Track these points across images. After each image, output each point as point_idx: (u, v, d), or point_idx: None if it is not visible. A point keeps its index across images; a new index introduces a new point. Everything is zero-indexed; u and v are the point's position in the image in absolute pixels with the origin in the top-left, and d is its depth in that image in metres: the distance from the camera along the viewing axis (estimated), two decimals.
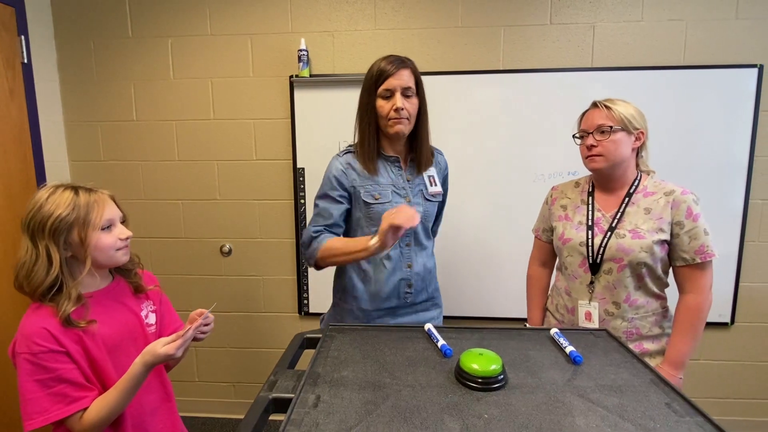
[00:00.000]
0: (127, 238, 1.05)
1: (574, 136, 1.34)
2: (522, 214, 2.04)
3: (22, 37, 1.94)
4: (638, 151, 1.28)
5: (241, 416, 2.29)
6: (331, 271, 1.57)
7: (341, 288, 1.45)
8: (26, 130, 1.96)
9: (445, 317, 1.58)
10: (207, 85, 2.10)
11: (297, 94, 2.04)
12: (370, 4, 1.99)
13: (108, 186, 2.26)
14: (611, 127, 1.22)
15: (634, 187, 1.28)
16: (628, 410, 0.62)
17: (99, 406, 0.94)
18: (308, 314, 2.21)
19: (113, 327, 1.02)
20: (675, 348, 1.23)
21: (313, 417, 0.60)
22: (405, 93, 1.27)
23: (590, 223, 1.28)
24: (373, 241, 1.17)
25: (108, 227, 1.01)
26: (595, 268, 1.26)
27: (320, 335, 0.86)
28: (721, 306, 2.06)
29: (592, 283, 1.27)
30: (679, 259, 1.23)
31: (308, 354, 0.82)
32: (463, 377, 0.69)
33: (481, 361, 0.69)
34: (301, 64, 1.98)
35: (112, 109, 2.14)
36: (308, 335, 0.87)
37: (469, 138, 2.01)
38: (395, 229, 1.09)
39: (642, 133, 1.25)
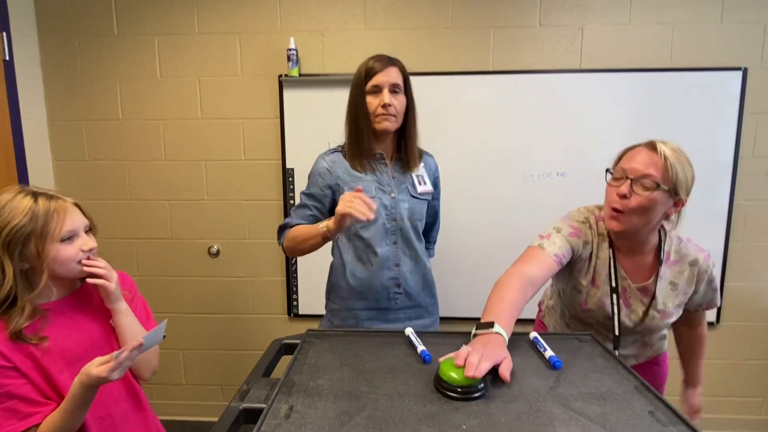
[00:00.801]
0: (90, 250, 0.98)
1: (607, 170, 1.08)
2: (511, 214, 2.04)
3: (4, 33, 1.90)
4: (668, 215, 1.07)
5: None
6: (320, 271, 1.58)
7: (329, 288, 1.46)
8: (8, 129, 1.92)
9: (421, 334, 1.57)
10: (195, 84, 2.07)
11: (286, 93, 2.02)
12: (360, 4, 1.97)
13: (93, 186, 2.23)
14: (659, 185, 0.96)
15: (662, 253, 1.08)
16: (610, 419, 0.61)
17: (48, 424, 0.91)
18: (297, 316, 2.19)
19: (74, 339, 0.98)
20: (698, 371, 1.27)
21: (284, 429, 0.58)
22: (393, 90, 1.28)
23: (615, 285, 1.09)
24: (322, 224, 1.19)
25: (69, 238, 0.95)
26: (616, 342, 1.09)
27: (299, 341, 0.84)
28: None
29: (615, 349, 1.10)
30: (689, 308, 1.16)
31: (286, 360, 0.80)
32: (442, 386, 0.68)
33: (460, 369, 0.68)
34: (290, 63, 1.96)
35: (97, 108, 2.11)
36: (286, 341, 0.85)
37: (458, 139, 2.01)
38: (343, 217, 1.08)
39: (685, 200, 1.02)
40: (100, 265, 0.98)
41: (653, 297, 1.06)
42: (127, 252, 2.19)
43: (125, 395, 1.04)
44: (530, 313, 1.35)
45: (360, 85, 1.31)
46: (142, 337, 0.87)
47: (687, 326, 1.24)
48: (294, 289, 2.17)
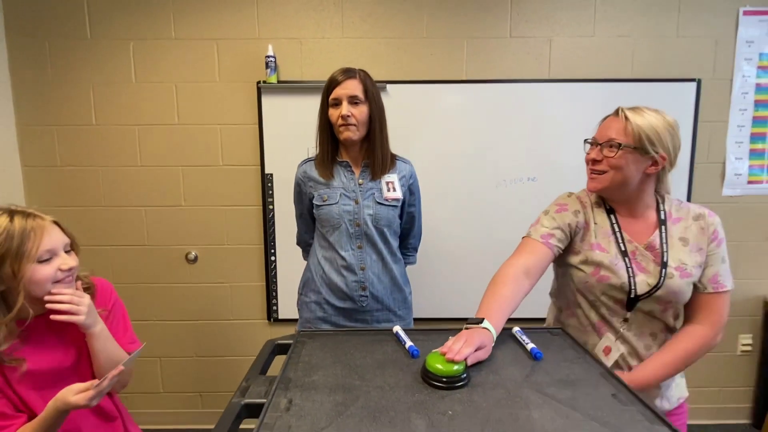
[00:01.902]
0: (69, 269, 0.95)
1: (585, 141, 1.12)
2: (486, 217, 2.12)
3: None
4: (659, 176, 1.08)
5: (210, 426, 2.25)
6: (298, 278, 1.61)
7: (304, 282, 1.54)
8: None
9: (414, 319, 1.62)
10: (171, 89, 2.06)
11: (265, 99, 2.04)
12: (338, 13, 2.02)
13: (65, 192, 2.19)
14: (621, 144, 1.02)
15: (662, 213, 1.09)
16: (579, 402, 0.67)
17: None
18: (278, 320, 2.20)
19: (48, 359, 0.96)
20: (648, 368, 1.04)
21: (285, 420, 0.62)
22: (352, 101, 1.35)
23: (624, 249, 1.07)
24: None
25: (48, 259, 0.92)
26: (630, 304, 1.06)
27: (291, 341, 0.88)
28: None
29: (626, 320, 1.07)
30: (702, 281, 1.06)
31: (279, 360, 0.83)
32: (428, 377, 0.73)
33: (445, 361, 0.74)
34: (268, 70, 1.98)
35: (69, 113, 2.07)
36: (279, 341, 0.89)
37: (434, 145, 2.07)
38: None
39: (663, 157, 1.03)
40: (64, 300, 0.93)
41: (663, 252, 1.05)
42: (102, 259, 2.15)
43: (94, 408, 1.02)
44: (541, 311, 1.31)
45: (324, 97, 1.40)
46: (122, 364, 0.88)
47: (689, 322, 1.09)
48: (274, 293, 2.19)
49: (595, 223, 1.11)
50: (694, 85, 2.05)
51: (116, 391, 1.10)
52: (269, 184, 2.10)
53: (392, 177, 1.44)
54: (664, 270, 1.03)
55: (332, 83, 1.36)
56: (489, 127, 2.07)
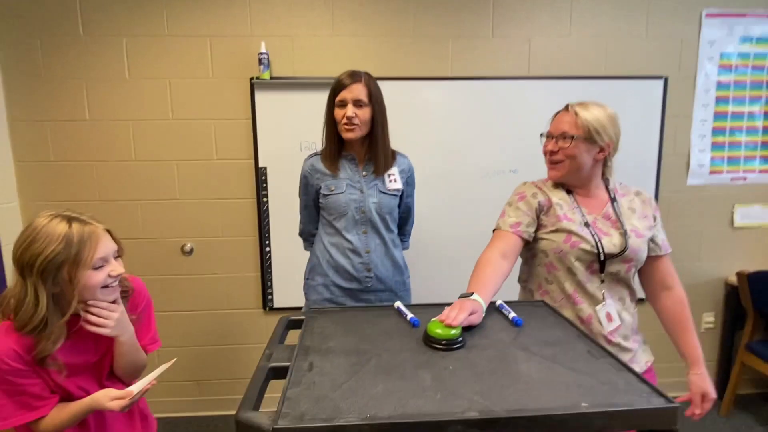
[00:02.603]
0: (117, 276, 1.01)
1: (541, 135, 1.28)
2: (471, 208, 2.24)
3: None
4: (605, 161, 1.24)
5: (208, 413, 2.33)
6: (294, 266, 1.73)
7: (311, 267, 1.63)
8: None
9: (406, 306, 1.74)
10: (165, 85, 2.11)
11: (258, 95, 2.11)
12: (328, 11, 2.10)
13: (59, 187, 2.22)
14: (573, 136, 1.17)
15: (611, 191, 1.25)
16: (559, 357, 0.79)
17: (52, 417, 0.99)
18: (273, 309, 2.28)
19: (80, 354, 1.03)
20: (695, 348, 1.21)
21: (309, 378, 0.71)
22: (357, 104, 1.45)
23: (587, 221, 1.20)
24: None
25: (101, 266, 0.98)
26: (602, 267, 1.18)
27: (303, 317, 0.97)
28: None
29: (603, 282, 1.19)
30: (654, 251, 1.23)
31: (293, 334, 0.93)
32: (429, 341, 0.84)
33: (443, 327, 0.84)
34: (261, 66, 2.04)
35: (62, 108, 2.09)
36: (292, 318, 0.98)
37: (420, 139, 2.18)
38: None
39: (609, 144, 1.19)
40: (101, 314, 0.99)
41: (620, 220, 1.20)
42: None
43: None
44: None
45: (331, 98, 1.50)
46: (154, 379, 0.98)
47: (665, 290, 1.26)
48: (269, 283, 2.26)
49: (559, 199, 1.24)
50: (661, 82, 2.21)
51: (131, 380, 1.18)
52: (263, 177, 2.17)
53: (393, 170, 1.56)
54: (626, 232, 1.18)
55: (339, 86, 1.46)
56: (473, 122, 2.19)
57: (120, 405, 0.96)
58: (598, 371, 0.74)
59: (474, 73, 2.17)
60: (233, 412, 2.23)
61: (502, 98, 2.18)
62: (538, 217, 1.23)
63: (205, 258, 2.24)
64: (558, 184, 1.27)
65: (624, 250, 1.16)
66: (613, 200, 1.24)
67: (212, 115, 2.14)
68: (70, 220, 0.95)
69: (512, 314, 0.96)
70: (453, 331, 0.83)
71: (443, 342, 0.82)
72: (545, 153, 1.25)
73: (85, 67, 2.07)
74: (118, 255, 1.04)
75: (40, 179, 2.13)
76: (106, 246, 0.99)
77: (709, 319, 2.44)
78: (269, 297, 2.27)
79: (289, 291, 2.26)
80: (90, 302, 0.99)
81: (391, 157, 1.57)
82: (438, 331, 0.84)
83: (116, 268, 1.01)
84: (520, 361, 0.77)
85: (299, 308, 2.24)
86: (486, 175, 2.23)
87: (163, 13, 2.06)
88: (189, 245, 2.22)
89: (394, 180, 1.57)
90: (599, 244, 1.16)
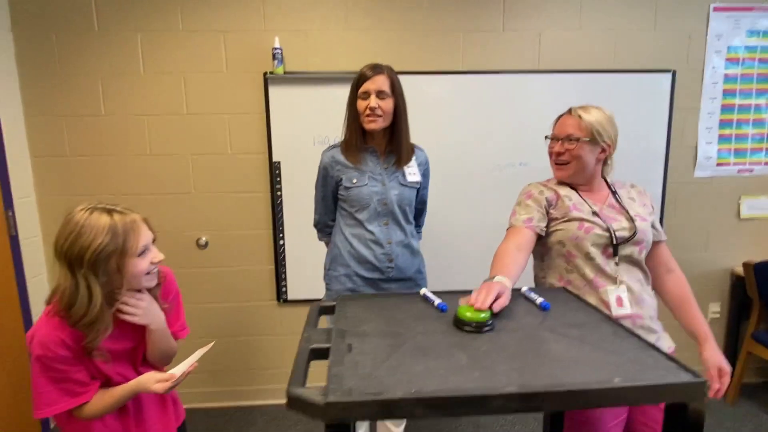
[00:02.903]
0: (159, 262, 1.04)
1: (546, 137, 1.36)
2: (482, 199, 2.27)
3: None
4: (605, 160, 1.32)
5: (224, 404, 2.38)
6: (308, 258, 1.74)
7: (332, 258, 1.64)
8: None
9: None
10: (180, 80, 2.13)
11: (272, 90, 2.13)
12: (342, 6, 2.12)
13: (75, 181, 2.26)
14: (579, 138, 1.25)
15: (611, 185, 1.35)
16: (586, 338, 0.82)
17: (95, 402, 1.03)
18: (287, 301, 2.32)
19: (120, 341, 1.07)
20: (703, 323, 1.28)
21: (351, 358, 0.75)
22: (380, 95, 1.47)
23: (596, 211, 1.26)
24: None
25: (143, 252, 1.00)
26: (615, 251, 1.23)
27: (334, 303, 1.00)
28: None
29: (617, 264, 1.24)
30: (656, 237, 1.30)
31: (323, 319, 0.96)
32: (460, 324, 0.87)
33: (473, 310, 0.88)
34: (275, 61, 2.07)
35: (77, 104, 2.12)
36: (323, 304, 1.01)
37: (431, 132, 2.20)
38: None
39: (609, 145, 1.28)
40: (129, 302, 1.03)
41: (622, 206, 1.29)
42: None
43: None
44: None
45: (353, 89, 1.52)
46: (195, 361, 1.03)
47: (668, 273, 1.34)
48: (283, 276, 2.30)
49: (566, 193, 1.31)
50: (669, 75, 2.24)
51: (163, 366, 1.22)
52: (277, 171, 2.20)
53: (412, 162, 1.59)
54: (632, 217, 1.27)
55: (362, 78, 1.48)
56: (483, 116, 2.21)
57: (165, 387, 1.00)
58: (625, 350, 0.78)
59: (485, 66, 2.19)
60: (249, 403, 2.34)
61: (512, 92, 2.20)
62: (547, 212, 1.29)
63: (219, 251, 2.27)
64: (562, 183, 1.34)
65: (635, 233, 1.23)
66: (614, 192, 1.33)
67: (226, 109, 2.16)
68: (109, 211, 0.97)
69: (540, 299, 1.00)
70: (482, 315, 0.87)
71: (473, 325, 0.86)
72: (551, 154, 1.33)
73: (101, 62, 2.09)
74: (153, 241, 1.07)
75: (57, 174, 2.16)
76: (146, 234, 1.02)
77: (715, 309, 2.48)
78: (283, 289, 2.31)
79: (302, 283, 2.30)
80: (120, 304, 1.02)
81: (411, 149, 1.60)
82: (468, 314, 0.87)
83: (157, 254, 1.04)
84: (550, 342, 0.81)
85: (313, 300, 2.25)
86: (496, 167, 2.26)
87: (177, 8, 2.08)
88: (204, 239, 2.25)
89: (413, 173, 1.60)
90: (611, 229, 1.23)
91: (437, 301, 0.99)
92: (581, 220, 1.23)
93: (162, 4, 2.08)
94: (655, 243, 1.32)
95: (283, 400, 2.37)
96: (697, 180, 2.36)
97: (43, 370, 0.98)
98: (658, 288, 1.36)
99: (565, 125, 1.28)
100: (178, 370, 1.02)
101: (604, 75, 2.22)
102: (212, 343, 1.14)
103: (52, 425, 2.17)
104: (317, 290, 2.17)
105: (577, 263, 1.25)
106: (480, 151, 2.24)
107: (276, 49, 2.07)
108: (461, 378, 0.68)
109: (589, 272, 1.23)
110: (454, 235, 2.29)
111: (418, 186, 1.62)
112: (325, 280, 1.67)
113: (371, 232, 1.55)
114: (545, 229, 1.27)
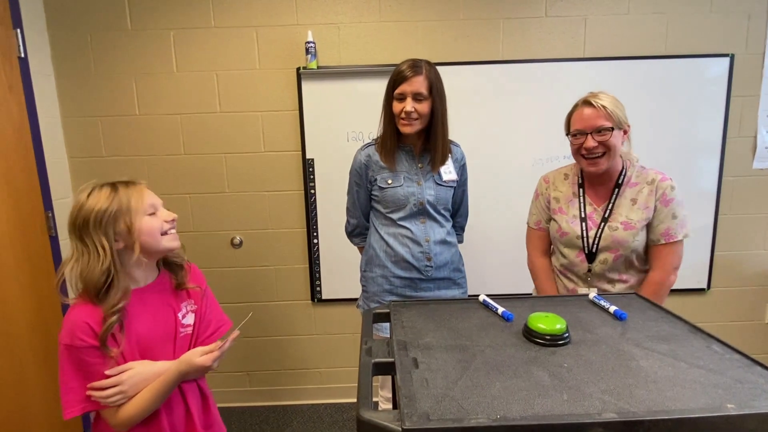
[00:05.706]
0: (173, 220, 1.04)
1: (569, 134, 1.36)
2: (522, 196, 2.16)
3: (18, 30, 1.88)
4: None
5: (257, 404, 2.36)
6: (343, 258, 1.78)
7: (367, 259, 1.59)
8: (26, 127, 1.91)
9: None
10: (212, 78, 2.10)
11: (305, 85, 2.08)
12: None
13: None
14: (612, 128, 1.25)
15: (622, 178, 1.34)
16: (678, 353, 0.74)
17: (133, 403, 0.97)
18: (321, 301, 2.27)
19: (149, 327, 1.03)
20: None
21: (419, 374, 0.68)
22: (416, 98, 1.40)
23: (583, 216, 1.36)
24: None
25: (152, 213, 1.01)
26: (591, 257, 1.34)
27: (387, 310, 0.94)
28: (699, 273, 2.27)
29: (589, 270, 1.36)
30: (650, 239, 1.33)
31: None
32: (532, 335, 0.79)
33: (547, 321, 0.80)
34: (309, 56, 2.01)
35: (112, 104, 2.11)
36: (376, 311, 0.95)
37: (470, 126, 2.11)
38: None
39: (629, 126, 1.31)
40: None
41: (612, 206, 1.33)
42: None
43: (198, 384, 1.14)
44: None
45: (389, 89, 1.45)
46: (237, 329, 1.00)
47: (650, 270, 1.35)
48: (317, 275, 2.26)
49: (560, 191, 1.43)
50: (727, 60, 2.08)
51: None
52: (311, 169, 2.15)
53: (448, 161, 1.52)
54: (603, 224, 1.33)
55: (399, 77, 1.41)
56: (525, 107, 2.11)
57: (212, 358, 0.97)
58: (727, 368, 0.69)
59: (526, 55, 2.08)
60: (283, 403, 2.28)
61: (555, 81, 2.09)
62: (548, 208, 1.48)
63: (254, 250, 2.24)
64: (567, 176, 1.44)
65: (599, 238, 1.32)
66: (616, 188, 1.34)
67: (260, 106, 2.12)
68: (112, 184, 0.99)
69: (612, 307, 0.91)
70: (558, 326, 0.79)
71: (548, 337, 0.78)
72: (582, 150, 1.30)
73: (134, 61, 2.08)
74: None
75: (93, 174, 2.16)
76: (152, 195, 1.03)
77: None
78: (317, 288, 2.27)
79: (337, 282, 2.25)
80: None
81: (448, 150, 1.53)
82: (541, 325, 0.79)
83: (169, 213, 1.04)
84: (638, 358, 0.72)
85: (348, 300, 2.23)
86: (538, 161, 2.15)
87: (209, 5, 2.05)
88: (238, 238, 2.22)
89: (449, 171, 1.53)
90: (585, 237, 1.34)
91: (500, 309, 0.91)
92: (559, 225, 1.40)
93: (194, 1, 2.04)
94: (655, 243, 1.33)
95: (319, 400, 2.35)
96: (756, 172, 2.20)
97: (71, 363, 0.94)
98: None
99: (591, 118, 1.27)
100: (221, 341, 0.97)
101: (654, 61, 2.07)
102: (251, 314, 1.10)
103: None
104: (351, 290, 2.12)
105: (554, 250, 1.49)
106: (521, 145, 2.14)
107: (309, 43, 2.01)
108: (548, 401, 0.61)
109: (557, 263, 1.45)
110: (493, 233, 2.20)
111: (454, 185, 1.55)
112: (362, 282, 1.61)
113: (408, 229, 1.50)
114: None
